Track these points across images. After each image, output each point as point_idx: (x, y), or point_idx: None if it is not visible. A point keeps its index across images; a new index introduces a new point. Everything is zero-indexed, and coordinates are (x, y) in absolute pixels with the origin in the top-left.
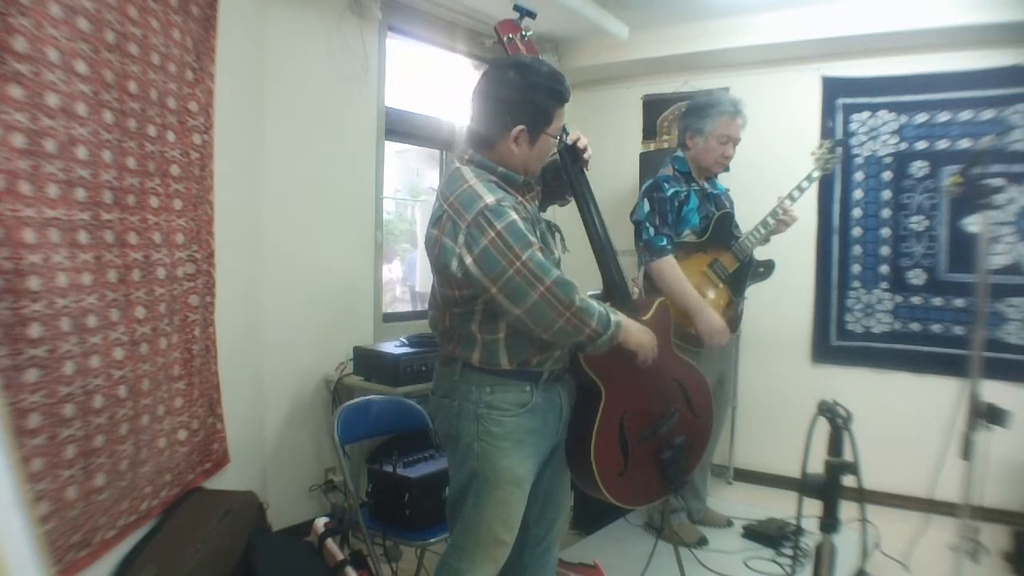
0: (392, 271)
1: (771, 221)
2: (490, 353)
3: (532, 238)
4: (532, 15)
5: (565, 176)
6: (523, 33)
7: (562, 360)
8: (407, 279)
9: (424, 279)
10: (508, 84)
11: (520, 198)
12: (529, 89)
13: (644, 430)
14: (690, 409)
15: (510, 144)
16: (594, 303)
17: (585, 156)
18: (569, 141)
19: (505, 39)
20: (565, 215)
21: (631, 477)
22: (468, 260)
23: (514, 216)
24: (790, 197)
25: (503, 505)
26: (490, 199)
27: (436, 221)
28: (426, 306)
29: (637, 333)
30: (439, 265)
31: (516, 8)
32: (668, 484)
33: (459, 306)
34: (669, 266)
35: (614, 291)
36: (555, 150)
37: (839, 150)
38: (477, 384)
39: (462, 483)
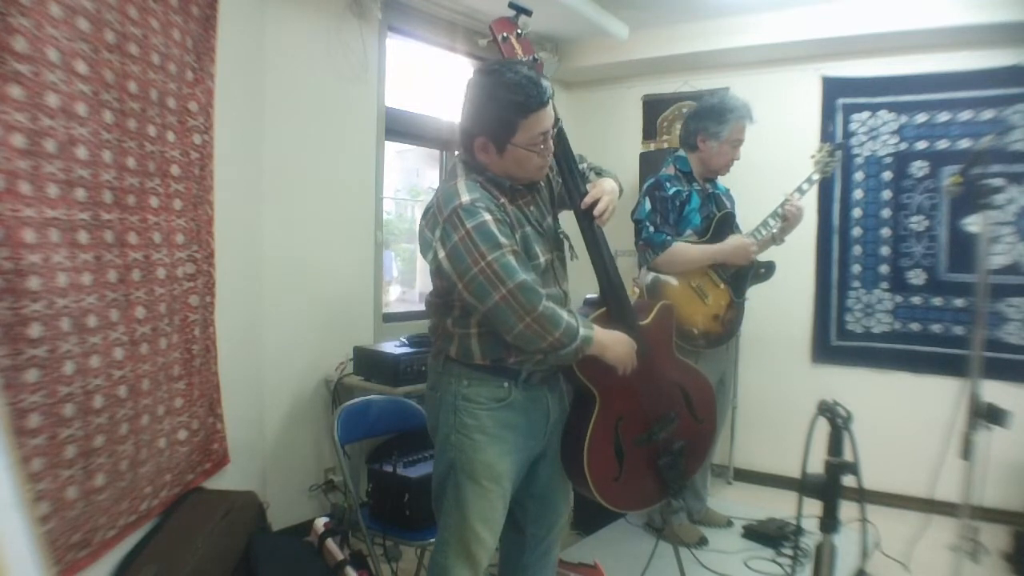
0: None
1: (772, 222)
2: (464, 347)
3: (503, 240)
4: (528, 13)
5: (578, 226)
6: (519, 31)
7: (545, 363)
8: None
9: (423, 280)
10: (471, 94)
11: (503, 199)
12: (488, 100)
13: (638, 435)
14: (692, 414)
15: (478, 153)
16: (564, 314)
17: (601, 218)
18: (583, 206)
19: (500, 38)
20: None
21: (626, 482)
22: (441, 254)
23: (486, 217)
24: (789, 199)
25: (481, 500)
26: (465, 198)
27: (425, 212)
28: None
29: (613, 347)
30: (423, 254)
31: (512, 5)
32: (666, 489)
33: (441, 297)
34: (677, 250)
35: (610, 297)
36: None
37: (839, 153)
38: (456, 376)
39: (442, 474)
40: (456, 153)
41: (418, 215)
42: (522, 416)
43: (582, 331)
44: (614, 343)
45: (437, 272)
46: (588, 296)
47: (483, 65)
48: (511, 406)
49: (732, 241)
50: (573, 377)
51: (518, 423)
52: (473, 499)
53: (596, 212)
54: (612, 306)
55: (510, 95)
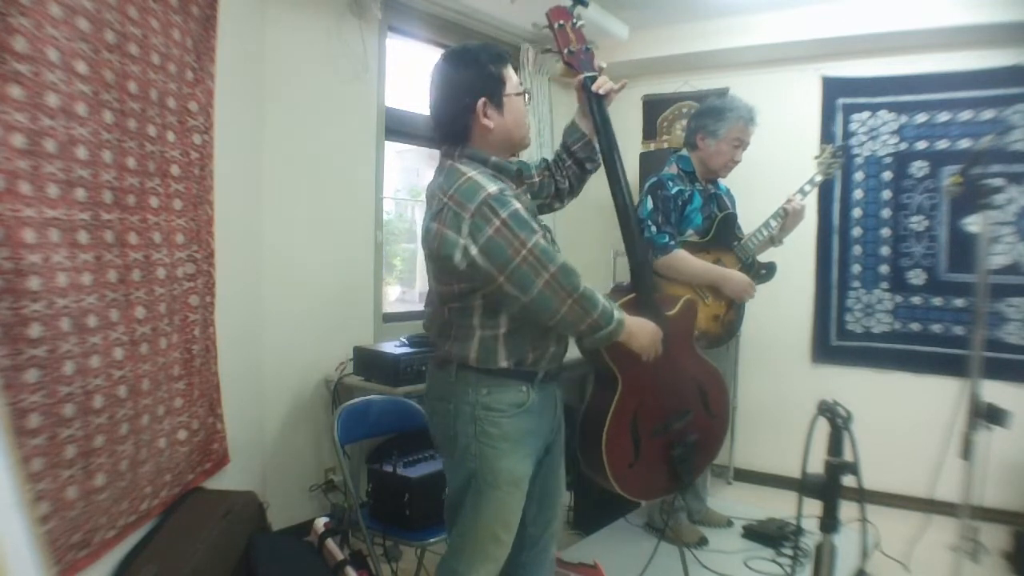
0: None
1: (773, 223)
2: (487, 351)
3: (535, 225)
4: (584, 3)
5: (593, 121)
6: (574, 21)
7: (557, 359)
8: None
9: (423, 280)
10: (448, 76)
11: (516, 189)
12: (468, 68)
13: (656, 425)
14: (706, 410)
15: (483, 121)
16: (599, 296)
17: (605, 91)
18: (602, 91)
19: (556, 25)
20: (570, 213)
21: (639, 470)
22: (474, 251)
23: (517, 205)
24: (791, 200)
25: (502, 505)
26: (493, 188)
27: (436, 215)
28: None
29: (639, 335)
30: (439, 258)
31: None
32: (676, 481)
33: (457, 301)
34: (678, 258)
35: (641, 277)
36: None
37: (841, 154)
38: (473, 386)
39: (460, 484)
40: (449, 154)
41: (418, 215)
42: (537, 418)
43: (616, 314)
44: (641, 330)
45: (464, 272)
46: (616, 283)
47: (438, 59)
48: (530, 410)
49: (737, 274)
50: (599, 360)
51: (534, 426)
52: (495, 505)
53: (603, 91)
54: (640, 288)
55: (483, 53)
